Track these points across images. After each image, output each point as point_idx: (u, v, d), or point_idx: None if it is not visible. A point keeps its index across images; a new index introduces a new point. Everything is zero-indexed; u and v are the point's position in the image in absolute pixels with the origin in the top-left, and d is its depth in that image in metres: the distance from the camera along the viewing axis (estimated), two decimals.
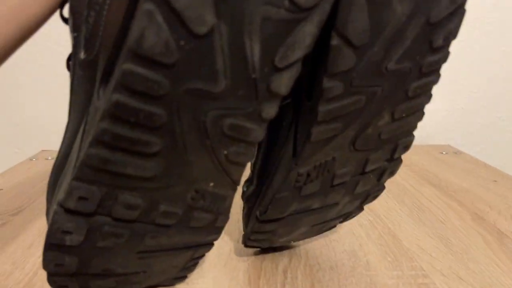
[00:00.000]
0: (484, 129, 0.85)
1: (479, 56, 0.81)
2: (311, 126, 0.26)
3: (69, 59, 0.27)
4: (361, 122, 0.28)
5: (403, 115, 0.29)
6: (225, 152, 0.24)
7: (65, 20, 0.26)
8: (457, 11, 0.25)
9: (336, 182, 0.31)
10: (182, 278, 0.33)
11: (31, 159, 0.68)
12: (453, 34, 0.26)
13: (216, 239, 0.30)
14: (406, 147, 0.32)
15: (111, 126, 0.20)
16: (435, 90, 0.29)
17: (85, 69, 0.23)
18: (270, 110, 0.23)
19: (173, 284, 0.32)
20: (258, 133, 0.23)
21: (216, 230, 0.29)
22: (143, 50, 0.17)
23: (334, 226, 0.38)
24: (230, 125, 0.22)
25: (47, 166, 0.64)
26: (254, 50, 0.20)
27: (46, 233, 0.23)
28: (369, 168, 0.31)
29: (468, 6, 0.26)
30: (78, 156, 0.22)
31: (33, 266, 0.35)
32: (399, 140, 0.31)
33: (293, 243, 0.39)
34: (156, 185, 0.23)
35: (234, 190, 0.27)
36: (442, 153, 0.74)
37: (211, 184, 0.25)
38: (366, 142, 0.29)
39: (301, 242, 0.40)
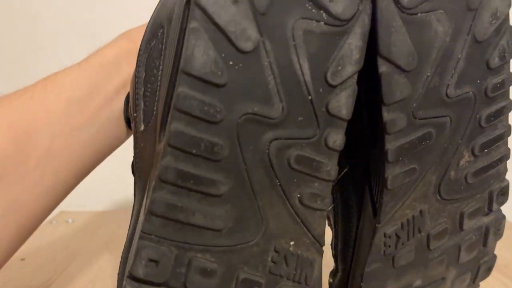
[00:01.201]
0: None
1: None
2: (385, 171, 0.24)
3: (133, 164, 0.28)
4: (439, 162, 0.25)
5: (485, 150, 0.26)
6: (298, 194, 0.22)
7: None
8: (502, 26, 0.25)
9: (432, 245, 0.27)
10: None
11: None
12: (508, 52, 0.25)
13: None
14: (503, 194, 0.28)
15: (173, 162, 0.19)
16: None
17: (146, 138, 0.23)
18: (337, 138, 0.22)
19: None
20: (329, 167, 0.22)
21: None
22: (194, 70, 0.18)
23: None
24: (296, 157, 0.21)
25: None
26: (303, 67, 0.20)
27: None
28: (467, 225, 0.27)
29: None
30: (144, 209, 0.21)
31: None
32: (492, 186, 0.27)
33: None
34: (230, 242, 0.21)
35: (320, 254, 0.24)
36: None
37: (292, 243, 0.23)
38: (452, 188, 0.26)
39: None
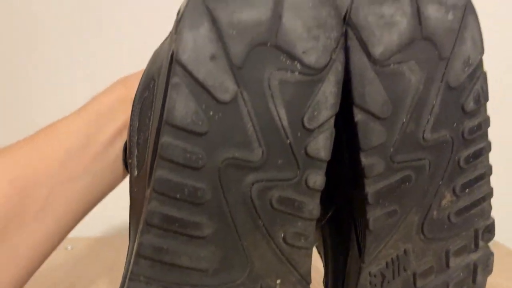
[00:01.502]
0: None
1: None
2: (366, 212, 0.25)
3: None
4: (421, 203, 0.26)
5: (466, 190, 0.27)
6: (282, 234, 0.23)
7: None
8: (476, 72, 0.26)
9: (419, 283, 0.28)
10: None
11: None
12: (483, 96, 0.26)
13: None
14: (489, 231, 0.29)
15: (158, 207, 0.21)
16: None
17: (139, 183, 0.25)
18: (317, 179, 0.23)
19: None
20: (311, 206, 0.23)
21: None
22: (176, 121, 0.20)
23: None
24: (278, 198, 0.22)
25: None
26: (281, 113, 0.22)
27: None
28: (453, 262, 0.28)
29: None
30: (132, 252, 0.22)
31: None
32: (476, 225, 0.28)
33: None
34: (216, 282, 0.22)
35: None
36: None
37: (278, 281, 0.24)
38: (435, 228, 0.27)
39: None
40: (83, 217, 0.30)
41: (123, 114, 0.28)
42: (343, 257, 0.29)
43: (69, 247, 0.64)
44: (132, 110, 0.26)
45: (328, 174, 0.26)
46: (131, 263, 0.21)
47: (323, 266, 0.31)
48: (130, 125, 0.27)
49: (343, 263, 0.29)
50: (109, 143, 0.28)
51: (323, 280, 0.31)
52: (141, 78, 0.26)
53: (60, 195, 0.27)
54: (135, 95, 0.27)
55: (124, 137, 0.27)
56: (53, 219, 0.27)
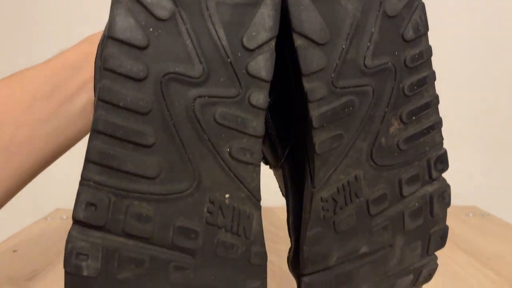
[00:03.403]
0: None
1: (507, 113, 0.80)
2: (312, 136, 0.27)
3: None
4: (368, 130, 0.28)
5: (413, 117, 0.28)
6: (228, 149, 0.25)
7: None
8: (414, 2, 0.28)
9: (373, 211, 0.28)
10: None
11: (46, 219, 0.67)
12: (422, 26, 0.28)
13: None
14: (442, 162, 0.29)
15: (104, 115, 0.23)
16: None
17: None
18: (259, 97, 0.24)
19: None
20: (255, 124, 0.25)
21: (254, 271, 0.26)
22: (117, 34, 0.22)
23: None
24: (221, 113, 0.24)
25: (63, 225, 0.62)
26: (220, 34, 0.23)
27: (63, 262, 0.23)
28: (407, 191, 0.29)
29: None
30: None
31: None
32: (429, 154, 0.29)
33: None
34: (164, 191, 0.24)
35: (258, 208, 0.26)
36: (469, 215, 0.72)
37: (227, 195, 0.25)
38: (385, 155, 0.28)
39: None
40: (51, 163, 0.31)
41: (89, 68, 0.30)
42: (301, 190, 0.30)
43: (64, 217, 0.69)
44: (95, 63, 0.28)
45: (283, 111, 0.28)
46: (82, 169, 0.23)
47: (286, 205, 0.32)
48: (94, 78, 0.29)
49: (301, 198, 0.30)
50: (76, 93, 0.30)
51: (286, 219, 0.32)
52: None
53: (26, 136, 0.29)
54: (97, 49, 0.29)
55: (90, 90, 0.29)
56: (18, 159, 0.29)
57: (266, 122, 0.31)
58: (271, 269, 0.44)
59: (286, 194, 0.32)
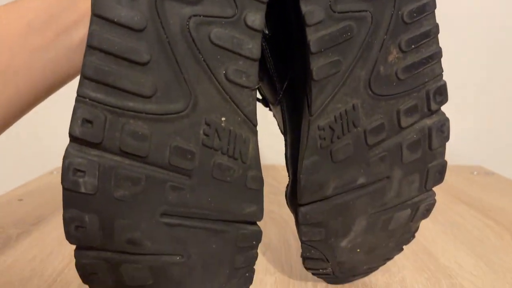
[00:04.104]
0: None
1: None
2: (310, 62, 0.27)
3: None
4: (366, 57, 0.27)
5: (412, 46, 0.28)
6: (223, 70, 0.24)
7: None
8: None
9: (370, 141, 0.28)
10: None
11: (51, 173, 0.70)
12: None
13: (256, 215, 0.27)
14: (441, 94, 0.29)
15: (98, 30, 0.22)
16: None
17: None
18: (255, 18, 0.24)
19: None
20: (251, 45, 0.25)
21: (250, 195, 0.27)
22: None
23: (406, 226, 0.32)
24: (216, 33, 0.24)
25: (54, 180, 0.65)
26: None
27: (61, 177, 0.24)
28: (405, 122, 0.29)
29: None
30: None
31: (52, 272, 0.36)
32: (428, 86, 0.29)
33: None
34: (159, 110, 0.24)
35: (254, 133, 0.26)
36: (473, 173, 0.72)
37: (223, 118, 0.25)
38: (383, 84, 0.28)
39: None
40: (50, 93, 0.31)
41: (85, 3, 0.30)
42: (299, 125, 0.30)
43: (54, 172, 0.72)
44: None
45: (281, 44, 0.27)
46: (78, 86, 0.23)
47: (284, 141, 0.32)
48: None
49: (299, 131, 0.30)
50: (73, 26, 0.30)
51: (284, 153, 0.32)
52: None
53: (22, 64, 0.29)
54: None
55: (88, 23, 0.29)
56: (15, 86, 0.29)
57: (264, 57, 0.31)
58: (272, 217, 0.45)
59: (284, 131, 0.32)
